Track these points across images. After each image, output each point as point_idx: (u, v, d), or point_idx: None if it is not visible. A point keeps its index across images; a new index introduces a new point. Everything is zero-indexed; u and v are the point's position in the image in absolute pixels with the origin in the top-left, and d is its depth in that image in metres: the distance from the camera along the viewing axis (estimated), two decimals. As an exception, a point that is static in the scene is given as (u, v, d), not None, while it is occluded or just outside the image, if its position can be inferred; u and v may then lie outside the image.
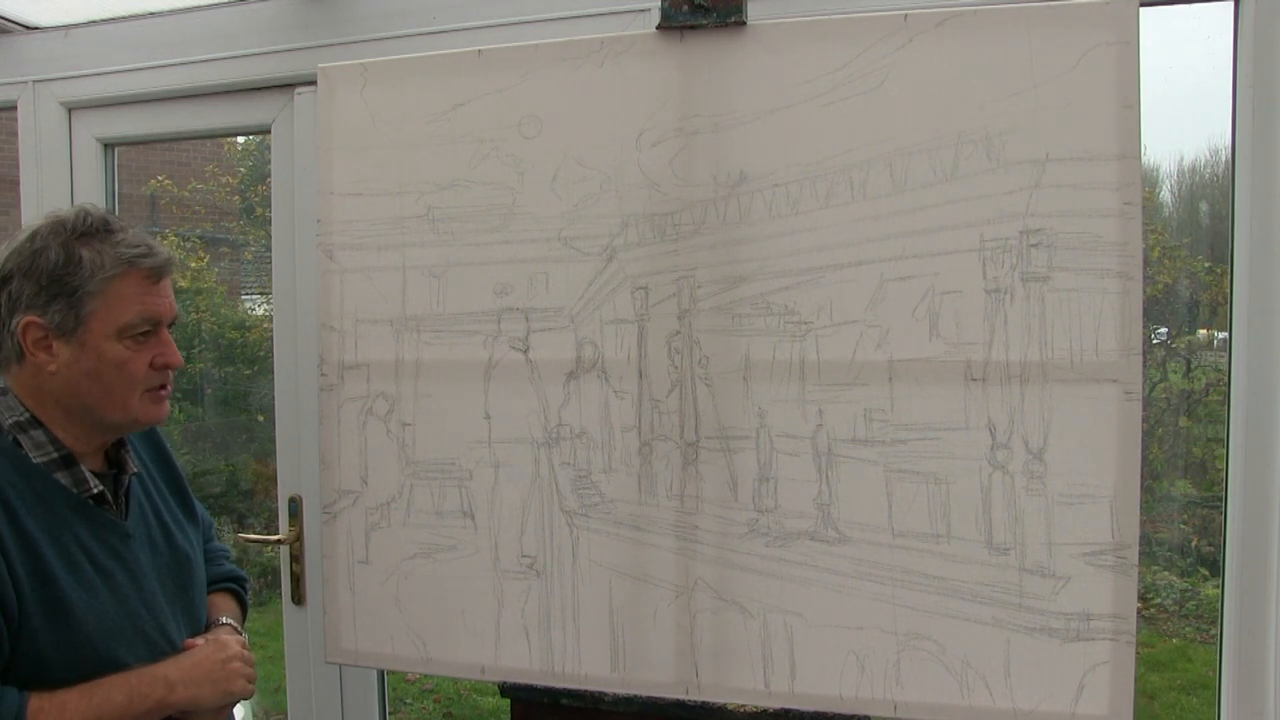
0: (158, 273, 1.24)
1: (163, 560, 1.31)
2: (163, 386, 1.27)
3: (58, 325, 1.19)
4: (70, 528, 1.20)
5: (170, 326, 1.28)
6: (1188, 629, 3.92)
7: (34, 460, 1.20)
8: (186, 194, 5.23)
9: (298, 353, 2.07)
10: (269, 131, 2.13)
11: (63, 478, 1.21)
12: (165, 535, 1.33)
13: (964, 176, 1.20)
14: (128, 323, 1.20)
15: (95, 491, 1.22)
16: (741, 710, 1.29)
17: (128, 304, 1.21)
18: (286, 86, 2.07)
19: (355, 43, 1.94)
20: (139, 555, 1.27)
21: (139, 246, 1.22)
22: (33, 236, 1.21)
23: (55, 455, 1.21)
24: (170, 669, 1.23)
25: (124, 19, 2.18)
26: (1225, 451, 1.58)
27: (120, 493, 1.28)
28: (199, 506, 1.48)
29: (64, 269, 1.19)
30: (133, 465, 1.31)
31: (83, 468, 1.22)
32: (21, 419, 1.21)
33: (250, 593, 1.47)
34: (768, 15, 1.31)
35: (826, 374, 1.25)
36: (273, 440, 2.17)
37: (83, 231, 1.21)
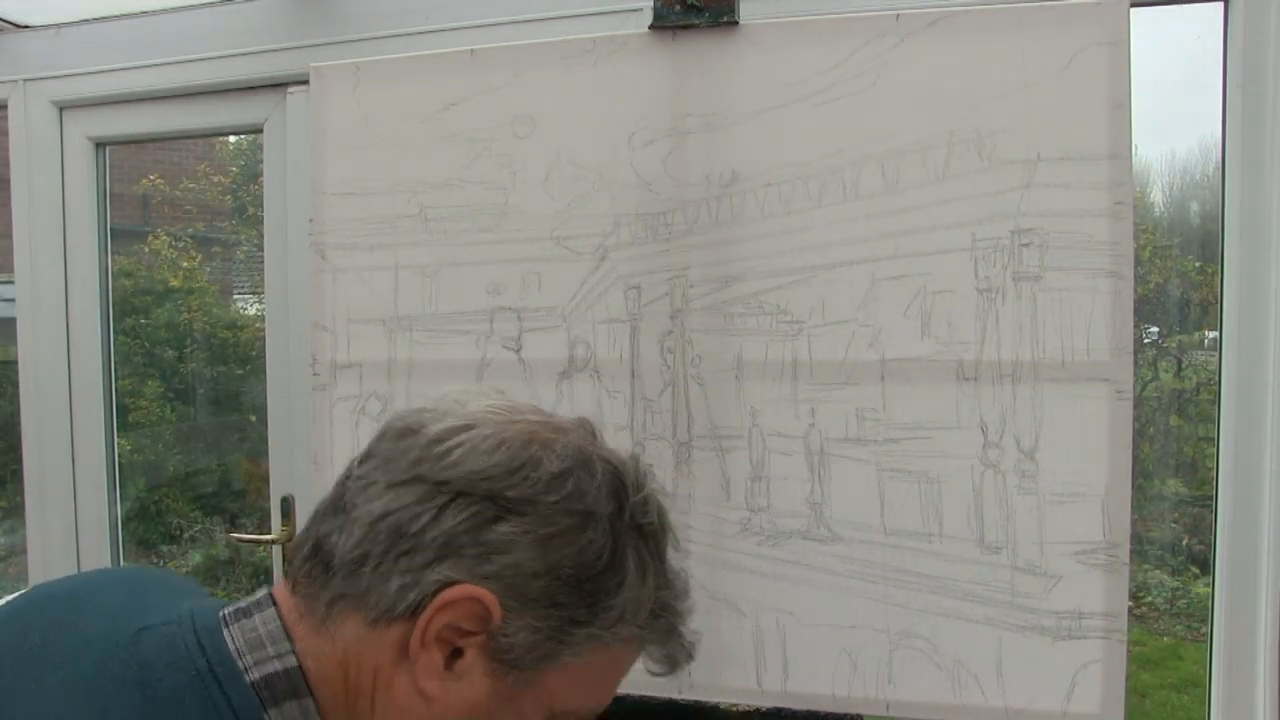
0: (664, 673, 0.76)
1: None
2: None
3: (516, 645, 0.66)
4: None
5: None
6: (1179, 627, 3.93)
7: None
8: (178, 193, 5.21)
9: (290, 352, 2.06)
10: (261, 131, 2.13)
11: None
12: None
13: (956, 176, 1.20)
14: (579, 710, 0.71)
15: None
16: (734, 709, 1.29)
17: (606, 686, 0.73)
18: (279, 86, 2.06)
19: (347, 42, 1.93)
20: None
21: (690, 648, 0.75)
22: (584, 463, 0.71)
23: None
24: None
25: (115, 18, 2.17)
26: (1216, 450, 1.59)
27: None
28: None
29: (600, 576, 0.68)
30: None
31: None
32: (283, 670, 0.66)
33: None
34: (760, 15, 1.31)
35: (819, 373, 1.26)
36: (265, 440, 2.16)
37: (643, 524, 0.73)
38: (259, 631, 0.67)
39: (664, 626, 0.72)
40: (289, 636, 0.67)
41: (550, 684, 0.68)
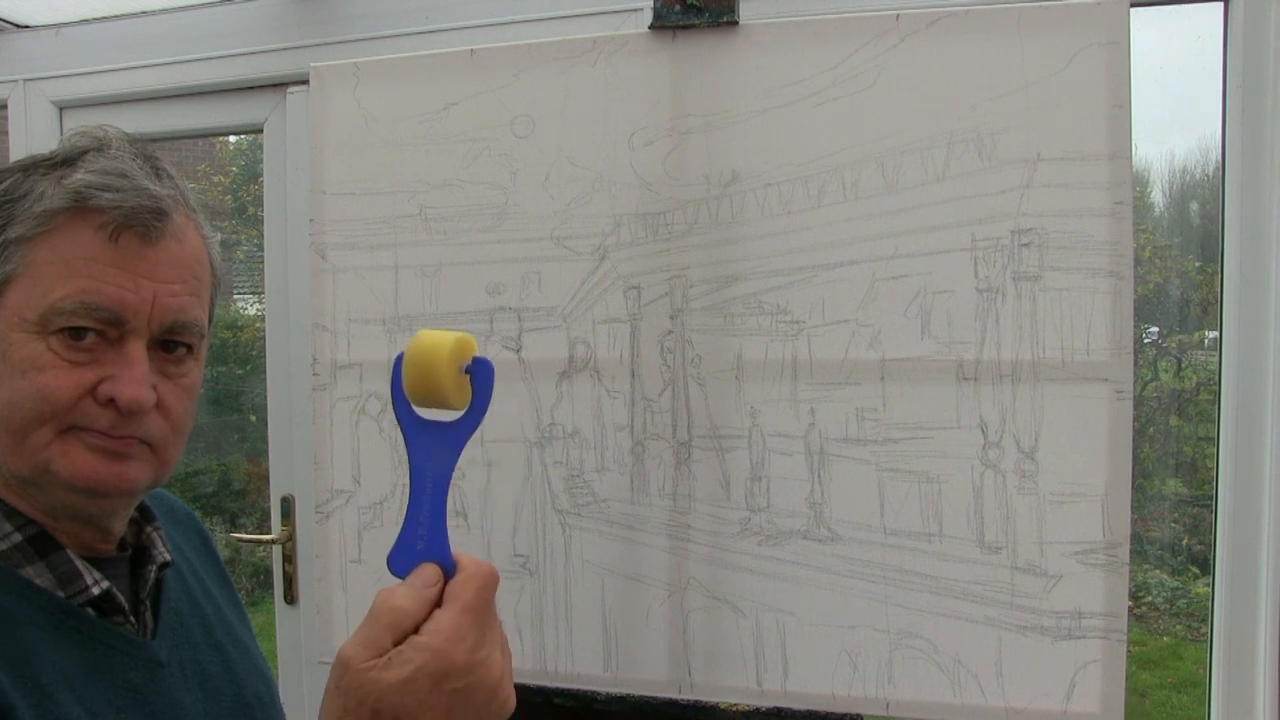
0: (125, 222, 0.74)
1: (222, 707, 0.85)
2: (111, 434, 0.74)
3: None
4: (50, 656, 0.71)
5: (173, 338, 0.78)
6: (1178, 627, 3.93)
7: None
8: (178, 193, 5.20)
9: (290, 352, 2.07)
10: (261, 131, 2.13)
11: (35, 574, 0.74)
12: (224, 666, 0.87)
13: (955, 176, 1.20)
14: (53, 303, 0.72)
15: (96, 593, 0.76)
16: (734, 709, 1.29)
17: (61, 271, 0.73)
18: (279, 86, 2.06)
19: (347, 42, 1.94)
20: (177, 697, 0.79)
21: (110, 175, 0.75)
22: (13, 162, 0.80)
23: (18, 537, 0.74)
24: None
25: (115, 18, 2.18)
26: (1215, 450, 1.59)
27: (142, 595, 0.82)
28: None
29: (4, 201, 0.75)
30: (163, 548, 0.85)
31: (69, 553, 0.76)
32: None
33: None
34: (760, 15, 1.31)
35: (819, 373, 1.26)
36: (265, 440, 2.16)
37: (64, 156, 0.78)
38: None
39: (69, 184, 0.74)
40: None
41: (10, 297, 0.73)
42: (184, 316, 0.78)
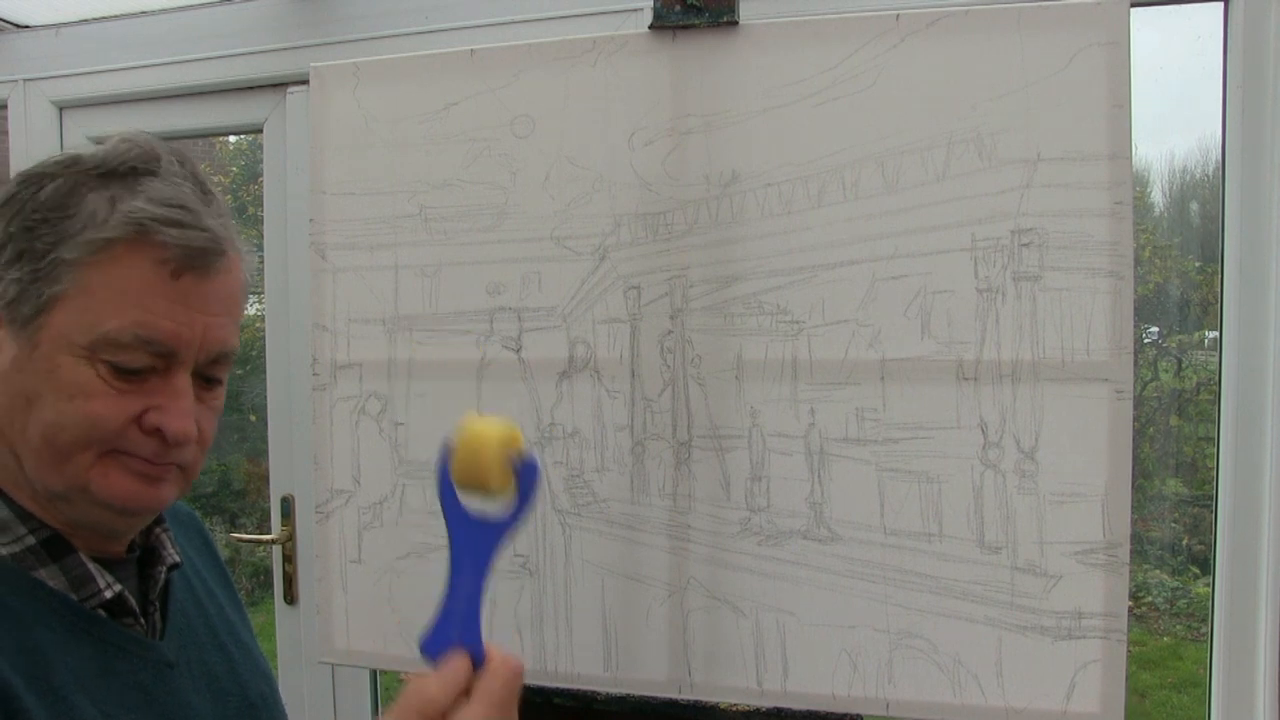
0: (188, 262, 0.74)
1: (229, 707, 0.86)
2: (154, 461, 0.76)
3: (10, 301, 0.73)
4: (63, 658, 0.72)
5: (212, 370, 0.79)
6: (1179, 627, 3.93)
7: None
8: (178, 193, 5.20)
9: (290, 352, 2.07)
10: (261, 131, 2.13)
11: (48, 576, 0.75)
12: (229, 666, 0.89)
13: (955, 176, 1.20)
14: (107, 332, 0.72)
15: (109, 596, 0.77)
16: (734, 709, 1.29)
17: (116, 301, 0.72)
18: (279, 86, 2.06)
19: (347, 42, 1.94)
20: (186, 698, 0.81)
21: (172, 207, 0.73)
22: (49, 161, 0.77)
23: (31, 540, 0.75)
24: None
25: (115, 18, 2.18)
26: (1216, 450, 1.59)
27: (151, 596, 0.83)
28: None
29: (51, 212, 0.73)
30: (171, 550, 0.86)
31: (82, 556, 0.77)
32: None
33: None
34: (760, 15, 1.31)
35: (819, 373, 1.26)
36: (265, 440, 2.16)
37: (113, 168, 0.74)
38: None
39: (132, 212, 0.73)
40: None
41: (58, 319, 0.72)
42: (227, 347, 0.79)
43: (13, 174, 0.75)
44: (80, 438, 0.72)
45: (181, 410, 0.75)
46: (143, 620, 0.81)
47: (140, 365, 0.73)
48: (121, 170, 0.74)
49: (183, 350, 0.75)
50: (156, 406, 0.74)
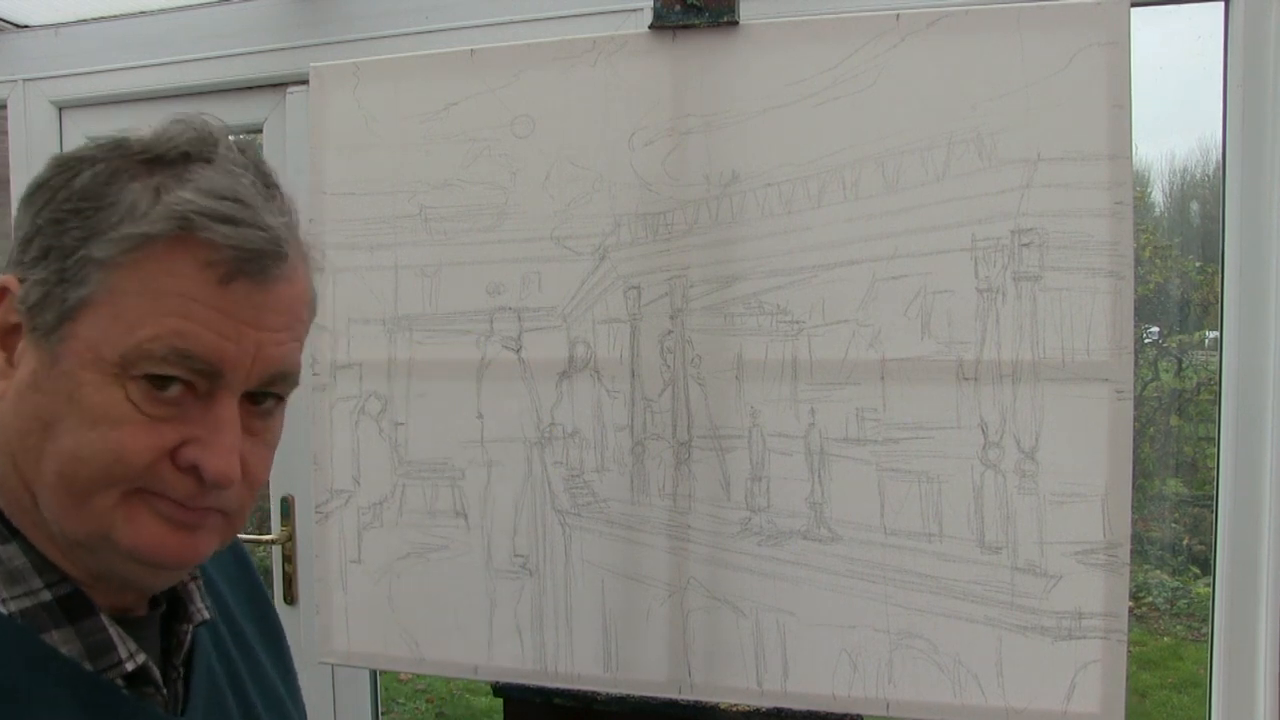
0: (241, 265, 0.62)
1: None
2: (189, 505, 0.64)
3: (32, 306, 0.62)
4: None
5: (267, 389, 0.67)
6: (1179, 627, 3.93)
7: None
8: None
9: (290, 352, 2.06)
10: (261, 131, 2.13)
11: (61, 639, 0.63)
12: None
13: (956, 176, 1.20)
14: (139, 342, 0.60)
15: (130, 669, 0.65)
16: (734, 709, 1.29)
17: (150, 305, 0.61)
18: (278, 86, 2.06)
19: (347, 42, 1.94)
20: None
21: (225, 200, 0.62)
22: (92, 144, 0.66)
23: (47, 595, 0.64)
24: None
25: (115, 18, 2.17)
26: (1216, 450, 1.59)
27: (175, 660, 0.72)
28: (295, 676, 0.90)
29: (83, 202, 0.62)
30: (201, 604, 0.74)
31: (104, 618, 0.65)
32: None
33: None
34: (760, 15, 1.31)
35: (819, 373, 1.25)
36: (265, 440, 2.16)
37: (161, 153, 0.63)
38: None
39: (175, 204, 0.61)
40: None
41: (83, 329, 0.61)
42: (285, 367, 0.67)
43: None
44: (102, 473, 0.61)
45: (224, 445, 0.63)
46: (164, 691, 0.69)
47: (173, 375, 0.61)
48: (171, 156, 0.63)
49: (229, 371, 0.62)
50: (195, 439, 0.62)
